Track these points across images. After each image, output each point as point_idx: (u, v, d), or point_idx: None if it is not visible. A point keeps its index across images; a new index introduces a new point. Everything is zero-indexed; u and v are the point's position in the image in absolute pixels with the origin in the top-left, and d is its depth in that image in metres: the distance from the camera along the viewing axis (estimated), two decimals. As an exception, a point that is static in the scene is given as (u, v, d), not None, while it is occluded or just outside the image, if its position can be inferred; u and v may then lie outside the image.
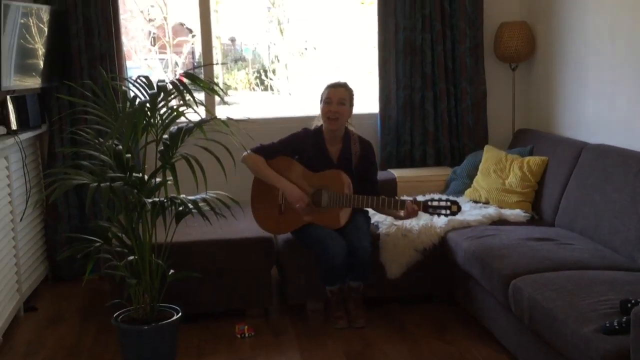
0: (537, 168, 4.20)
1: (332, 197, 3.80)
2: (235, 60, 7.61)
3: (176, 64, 7.26)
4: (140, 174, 3.25)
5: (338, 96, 3.85)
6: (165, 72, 7.11)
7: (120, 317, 3.29)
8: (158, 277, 3.27)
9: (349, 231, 3.78)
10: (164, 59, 7.27)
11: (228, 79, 7.41)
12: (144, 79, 3.26)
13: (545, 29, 4.76)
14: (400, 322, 3.88)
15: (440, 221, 3.97)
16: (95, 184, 3.02)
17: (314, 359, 3.50)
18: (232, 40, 7.61)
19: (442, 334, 3.72)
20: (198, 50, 6.57)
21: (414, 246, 3.91)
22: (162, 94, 3.15)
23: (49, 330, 3.91)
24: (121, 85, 3.95)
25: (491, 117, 4.96)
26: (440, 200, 3.73)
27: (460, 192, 4.45)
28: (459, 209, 3.71)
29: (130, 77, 3.85)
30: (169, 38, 7.13)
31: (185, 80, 3.26)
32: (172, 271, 3.35)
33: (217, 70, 6.24)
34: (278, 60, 7.24)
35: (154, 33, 7.14)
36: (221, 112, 4.47)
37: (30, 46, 4.07)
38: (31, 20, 4.05)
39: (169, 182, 3.22)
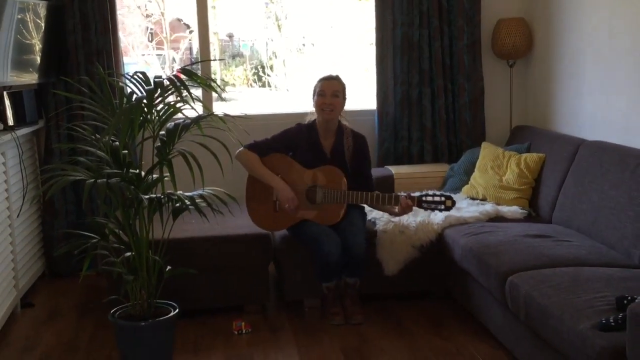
0: (534, 165, 4.20)
1: (327, 194, 3.79)
2: (233, 57, 7.58)
3: (173, 60, 7.24)
4: (137, 170, 3.25)
5: (332, 88, 3.85)
6: (163, 68, 7.09)
7: (118, 313, 3.29)
8: (155, 274, 3.27)
9: (344, 227, 3.77)
10: (161, 55, 7.25)
11: (225, 75, 7.39)
12: (141, 75, 3.25)
13: (542, 26, 4.76)
14: (397, 319, 3.89)
15: (437, 218, 3.97)
16: (92, 180, 3.02)
17: (310, 355, 3.50)
18: (230, 36, 7.59)
19: (439, 330, 3.73)
20: (195, 46, 6.54)
21: (411, 243, 3.92)
22: (159, 90, 3.14)
23: (46, 326, 3.91)
24: (118, 81, 3.92)
25: (489, 114, 4.96)
26: (434, 195, 3.73)
27: (457, 189, 4.46)
28: (454, 203, 3.71)
29: (127, 73, 3.83)
30: (166, 34, 7.11)
31: (182, 76, 3.26)
32: (169, 267, 3.35)
33: (215, 66, 6.22)
34: (276, 57, 7.22)
35: (151, 29, 7.11)
36: (219, 109, 4.46)
37: (27, 42, 4.06)
38: (28, 16, 4.04)
39: (166, 179, 3.22)
